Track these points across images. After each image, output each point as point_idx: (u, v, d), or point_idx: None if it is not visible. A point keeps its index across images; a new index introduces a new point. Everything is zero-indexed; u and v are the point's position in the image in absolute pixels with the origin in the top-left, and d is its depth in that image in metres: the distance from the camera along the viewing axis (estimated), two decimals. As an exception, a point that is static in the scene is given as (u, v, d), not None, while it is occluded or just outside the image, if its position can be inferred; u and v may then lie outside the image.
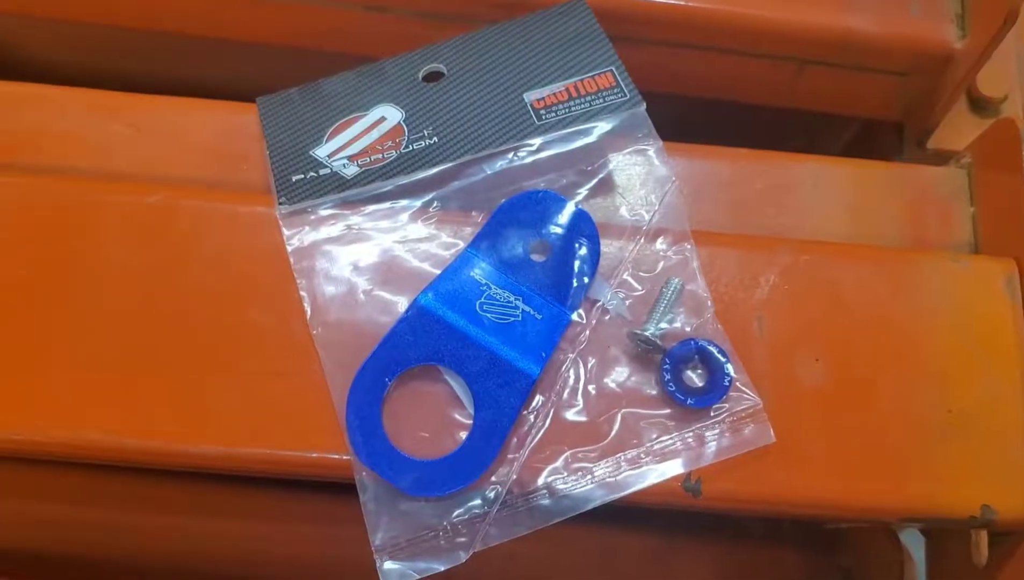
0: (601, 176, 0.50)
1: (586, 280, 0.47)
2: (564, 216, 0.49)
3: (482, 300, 0.47)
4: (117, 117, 0.54)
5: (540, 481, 0.45)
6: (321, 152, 0.50)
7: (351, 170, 0.50)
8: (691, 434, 0.46)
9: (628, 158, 0.51)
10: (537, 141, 0.50)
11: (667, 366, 0.46)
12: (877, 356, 0.48)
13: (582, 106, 0.51)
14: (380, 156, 0.50)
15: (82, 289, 0.48)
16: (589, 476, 0.45)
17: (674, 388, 0.46)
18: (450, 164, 0.50)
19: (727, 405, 0.46)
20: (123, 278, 0.48)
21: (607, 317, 0.48)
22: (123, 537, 0.60)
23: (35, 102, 0.54)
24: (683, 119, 0.61)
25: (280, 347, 0.47)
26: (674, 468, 0.45)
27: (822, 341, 0.48)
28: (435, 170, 0.50)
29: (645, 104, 0.50)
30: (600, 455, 0.45)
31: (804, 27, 0.60)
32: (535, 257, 0.48)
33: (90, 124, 0.54)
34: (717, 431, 0.46)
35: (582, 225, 0.48)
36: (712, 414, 0.46)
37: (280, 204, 0.49)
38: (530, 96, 0.51)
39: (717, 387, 0.46)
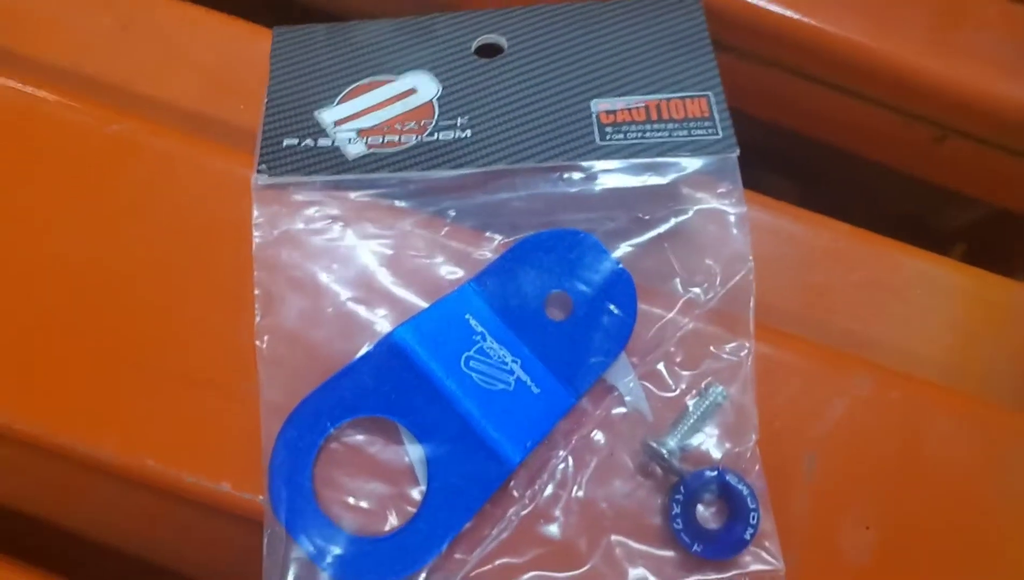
0: (660, 230, 0.39)
1: (606, 359, 0.37)
2: (599, 272, 0.38)
3: (471, 353, 0.37)
4: (107, 9, 0.45)
5: (485, 601, 0.35)
6: (328, 116, 0.41)
7: (356, 148, 0.40)
8: (688, 588, 0.36)
9: (700, 216, 0.40)
10: (593, 165, 0.40)
11: (679, 496, 0.36)
12: (946, 540, 0.38)
13: (660, 134, 0.40)
14: (396, 138, 0.40)
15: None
16: (547, 611, 0.35)
17: (681, 526, 0.36)
18: (478, 169, 0.39)
19: (742, 559, 0.36)
20: (52, 218, 0.39)
21: (621, 411, 0.38)
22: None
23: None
24: (777, 152, 0.50)
25: (216, 350, 0.38)
26: (656, 627, 0.35)
27: (881, 504, 0.38)
28: (458, 172, 0.39)
29: (739, 150, 0.39)
30: (568, 587, 0.36)
31: (958, 89, 0.48)
32: (551, 313, 0.38)
33: (72, 11, 0.44)
34: (721, 592, 0.36)
35: (619, 288, 0.38)
36: (721, 569, 0.36)
37: (259, 172, 0.39)
38: (599, 105, 0.41)
39: (735, 538, 0.36)
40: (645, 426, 0.37)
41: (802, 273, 0.43)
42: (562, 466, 0.37)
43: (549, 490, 0.36)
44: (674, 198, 0.39)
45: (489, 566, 0.36)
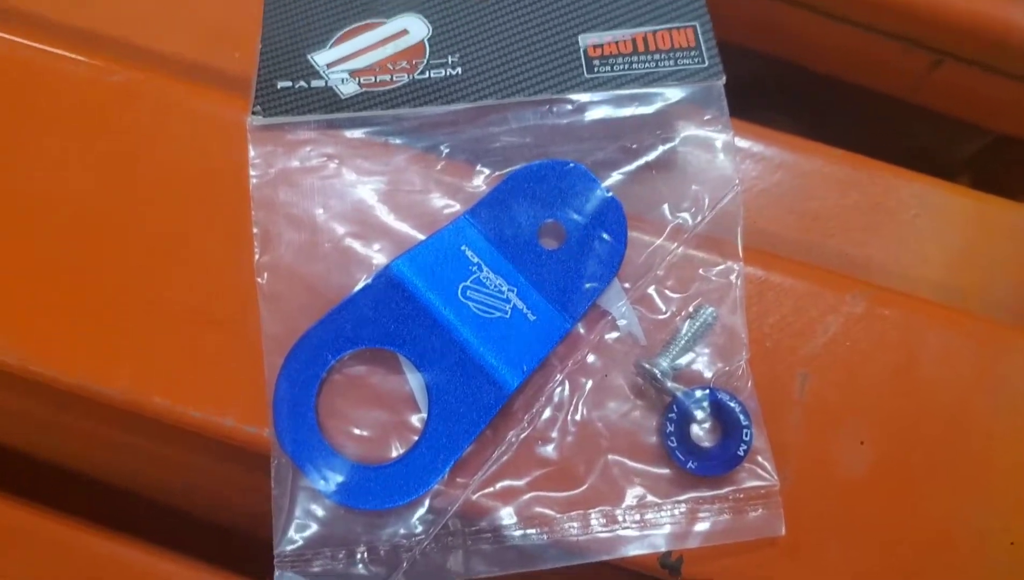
0: (648, 158, 0.40)
1: (599, 285, 0.38)
2: (590, 200, 0.39)
3: (468, 282, 0.38)
4: (105, -34, 0.45)
5: (486, 521, 0.36)
6: (321, 58, 0.41)
7: (349, 88, 0.40)
8: (684, 504, 0.37)
9: (687, 143, 0.40)
10: (581, 97, 0.40)
11: (673, 414, 0.37)
12: (939, 455, 0.38)
13: (647, 64, 0.40)
14: (388, 77, 0.41)
15: (8, 172, 0.40)
16: (547, 529, 0.36)
17: (675, 444, 0.37)
18: (470, 104, 0.40)
19: (736, 476, 0.37)
20: (59, 164, 0.40)
21: (615, 335, 0.38)
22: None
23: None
24: (780, 89, 0.51)
25: (217, 288, 0.39)
26: (654, 543, 0.36)
27: (875, 420, 0.39)
28: (450, 108, 0.40)
29: (724, 78, 0.40)
30: (567, 506, 0.36)
31: (953, 13, 0.48)
32: (544, 242, 0.39)
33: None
34: (716, 507, 0.37)
35: (609, 216, 0.39)
36: (716, 485, 0.37)
37: (254, 113, 0.40)
38: (586, 39, 0.41)
39: (729, 455, 0.36)
40: (638, 348, 0.38)
41: (796, 198, 0.43)
42: (559, 389, 0.38)
43: (547, 413, 0.37)
44: (661, 127, 0.40)
45: (490, 488, 0.37)
